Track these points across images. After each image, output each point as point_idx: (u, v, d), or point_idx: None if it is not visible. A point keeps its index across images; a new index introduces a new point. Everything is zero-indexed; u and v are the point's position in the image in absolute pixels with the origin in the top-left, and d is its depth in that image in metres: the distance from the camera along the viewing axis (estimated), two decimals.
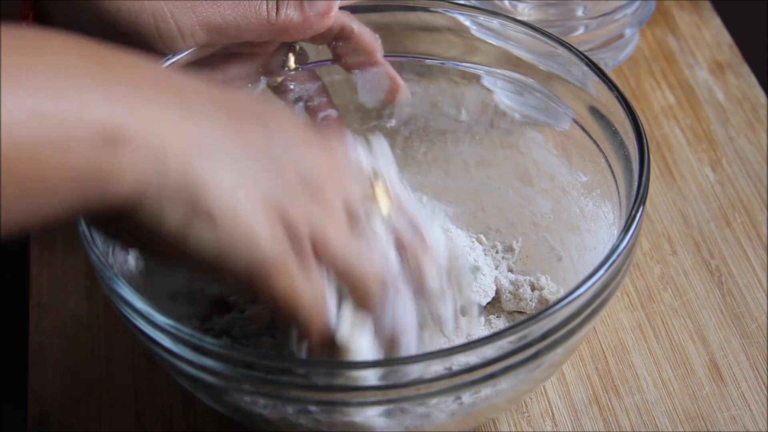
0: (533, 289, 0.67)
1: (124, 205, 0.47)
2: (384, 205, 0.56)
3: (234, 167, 0.49)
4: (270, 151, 0.51)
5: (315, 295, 0.53)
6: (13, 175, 0.44)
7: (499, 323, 0.67)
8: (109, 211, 0.47)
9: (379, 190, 0.56)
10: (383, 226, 0.56)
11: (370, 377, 0.54)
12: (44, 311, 0.73)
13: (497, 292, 0.68)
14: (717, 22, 0.90)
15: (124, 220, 0.48)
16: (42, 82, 0.45)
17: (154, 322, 0.55)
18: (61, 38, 0.48)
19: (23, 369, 0.70)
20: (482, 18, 0.69)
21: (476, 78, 0.72)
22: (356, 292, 0.54)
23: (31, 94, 0.45)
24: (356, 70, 0.70)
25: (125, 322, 0.57)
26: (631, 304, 0.72)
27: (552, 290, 0.66)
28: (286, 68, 0.71)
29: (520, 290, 0.67)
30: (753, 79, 0.86)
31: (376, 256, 0.55)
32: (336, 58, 0.70)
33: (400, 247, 0.56)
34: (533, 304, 0.67)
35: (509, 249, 0.71)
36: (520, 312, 0.68)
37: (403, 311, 0.55)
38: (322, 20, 0.66)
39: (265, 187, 0.50)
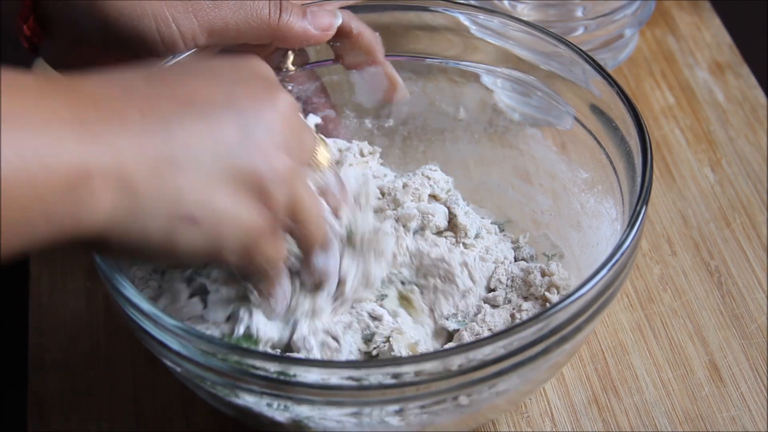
0: (543, 275, 0.66)
1: (102, 232, 0.50)
2: (324, 160, 0.60)
3: (202, 164, 0.51)
4: (240, 130, 0.53)
5: (281, 253, 0.57)
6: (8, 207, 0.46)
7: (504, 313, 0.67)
8: (88, 239, 0.50)
9: (322, 148, 0.60)
10: (321, 178, 0.60)
11: (372, 377, 0.54)
12: (44, 312, 0.73)
13: (512, 279, 0.67)
14: (717, 22, 0.90)
15: (109, 242, 0.51)
16: (29, 126, 0.47)
17: (163, 324, 0.55)
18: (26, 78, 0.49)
19: (23, 369, 0.70)
20: (482, 17, 0.69)
21: (475, 77, 0.72)
22: (312, 239, 0.59)
23: (24, 138, 0.46)
24: (354, 71, 0.70)
25: (132, 325, 0.57)
26: (631, 305, 0.72)
27: (563, 276, 0.66)
28: (285, 69, 0.71)
29: (530, 276, 0.66)
30: (753, 80, 0.86)
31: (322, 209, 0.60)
32: (336, 57, 0.70)
33: (326, 196, 0.61)
34: (542, 290, 0.66)
35: (515, 243, 0.71)
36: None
37: (335, 259, 0.61)
38: (321, 34, 0.67)
39: (238, 168, 0.53)
